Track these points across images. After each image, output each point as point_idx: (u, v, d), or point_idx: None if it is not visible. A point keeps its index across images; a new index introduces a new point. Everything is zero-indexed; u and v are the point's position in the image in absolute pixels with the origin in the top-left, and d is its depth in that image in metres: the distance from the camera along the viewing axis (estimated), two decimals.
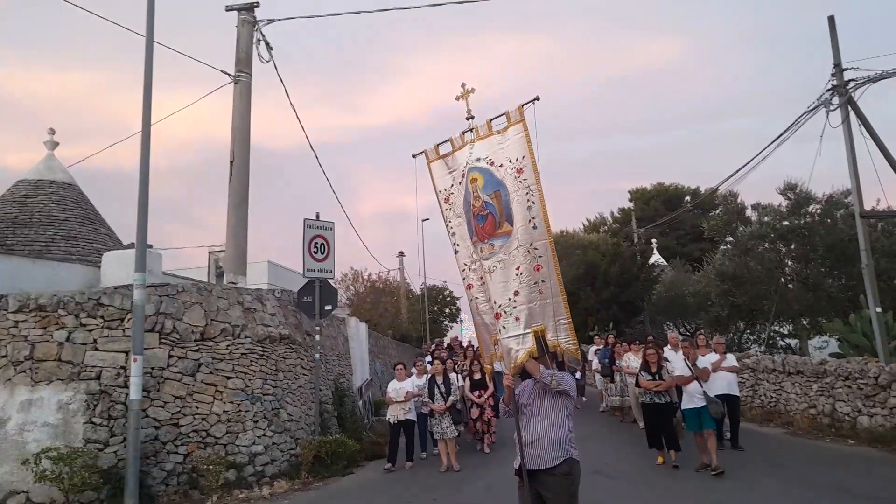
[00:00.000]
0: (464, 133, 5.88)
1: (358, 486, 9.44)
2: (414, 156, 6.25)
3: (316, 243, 11.95)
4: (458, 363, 13.19)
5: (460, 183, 5.91)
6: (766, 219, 18.75)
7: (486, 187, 5.65)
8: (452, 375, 11.47)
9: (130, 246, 12.38)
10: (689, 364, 9.42)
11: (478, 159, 5.76)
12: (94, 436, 8.70)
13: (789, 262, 19.06)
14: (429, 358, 15.07)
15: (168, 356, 9.44)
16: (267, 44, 12.28)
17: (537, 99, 5.45)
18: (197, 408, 9.42)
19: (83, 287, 10.58)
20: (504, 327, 5.33)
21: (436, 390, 10.64)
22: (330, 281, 12.27)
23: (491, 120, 5.70)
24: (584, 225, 43.52)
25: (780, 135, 14.81)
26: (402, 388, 10.80)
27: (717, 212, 22.26)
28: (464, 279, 5.88)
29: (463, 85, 6.07)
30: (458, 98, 6.02)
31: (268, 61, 12.42)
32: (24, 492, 8.37)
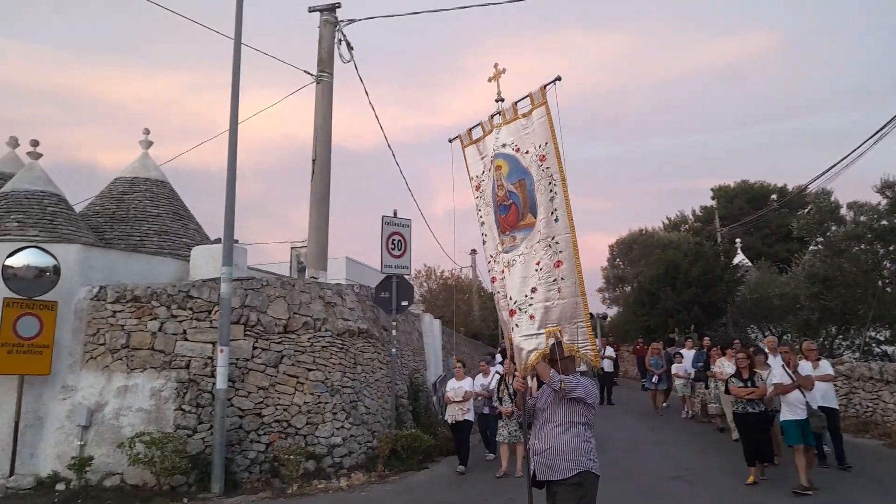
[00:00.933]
0: (492, 116, 5.58)
1: (432, 482, 9.50)
2: (450, 140, 5.94)
3: (393, 240, 12.10)
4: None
5: (489, 170, 5.59)
6: (862, 218, 17.69)
7: (511, 175, 5.30)
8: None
9: (217, 241, 12.88)
10: (790, 371, 8.59)
11: (503, 145, 5.40)
12: (183, 422, 9.11)
13: (887, 264, 17.92)
14: (500, 357, 14.99)
15: (252, 348, 9.77)
16: (348, 44, 12.52)
17: (559, 79, 4.98)
18: (279, 398, 9.71)
19: (174, 280, 11.08)
20: (517, 325, 5.01)
21: (504, 391, 9.92)
22: (406, 277, 12.41)
23: (516, 102, 5.36)
24: (663, 224, 42.41)
25: (880, 129, 13.94)
26: (461, 387, 10.33)
27: (808, 210, 21.19)
28: (490, 271, 5.60)
29: (495, 65, 5.74)
30: (490, 80, 5.69)
31: (348, 61, 12.66)
32: (119, 473, 8.86)
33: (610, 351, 18.32)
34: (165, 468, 8.44)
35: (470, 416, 10.30)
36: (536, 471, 4.59)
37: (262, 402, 9.59)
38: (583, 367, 6.04)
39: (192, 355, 9.52)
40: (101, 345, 9.69)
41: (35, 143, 12.12)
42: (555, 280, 4.89)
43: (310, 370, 10.13)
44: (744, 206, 36.90)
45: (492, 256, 5.54)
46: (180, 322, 9.70)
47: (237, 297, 9.77)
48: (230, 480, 8.79)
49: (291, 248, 16.66)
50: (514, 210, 5.23)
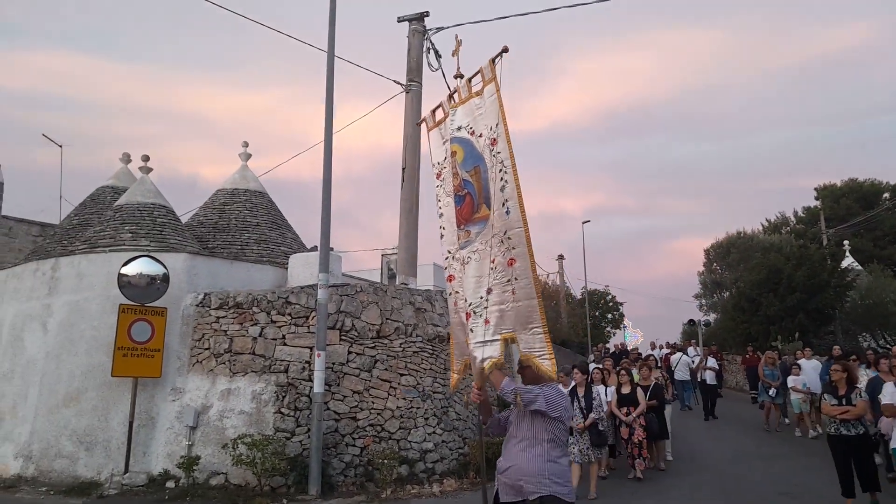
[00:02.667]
0: (450, 96, 4.95)
1: None
2: (417, 124, 5.41)
3: None
4: (612, 373, 11.32)
5: (448, 156, 4.96)
6: None
7: (466, 162, 4.72)
8: (599, 388, 10.10)
9: (313, 249, 13.28)
10: None
11: (458, 128, 4.81)
12: (282, 425, 9.39)
13: None
14: (593, 365, 14.63)
15: (347, 352, 9.97)
16: (436, 52, 12.64)
17: (506, 50, 4.46)
18: (373, 403, 9.86)
19: (273, 286, 11.48)
20: (472, 330, 4.47)
21: (575, 404, 8.96)
22: None
23: (470, 79, 4.72)
24: (762, 226, 40.43)
25: None
26: None
27: None
28: (446, 269, 5.03)
29: (456, 36, 5.16)
30: (452, 54, 5.14)
31: (437, 69, 12.76)
32: (223, 473, 9.23)
33: (713, 362, 17.36)
34: (266, 469, 8.72)
35: None
36: (500, 490, 4.16)
37: (356, 406, 9.77)
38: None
39: (291, 359, 9.82)
40: (206, 349, 10.15)
41: (146, 159, 12.89)
42: (509, 280, 4.34)
43: (402, 375, 10.24)
44: (852, 205, 34.67)
45: (450, 252, 4.95)
46: (279, 327, 10.03)
47: (333, 302, 10.00)
48: (327, 483, 8.99)
49: (382, 255, 16.98)
50: (468, 201, 4.67)
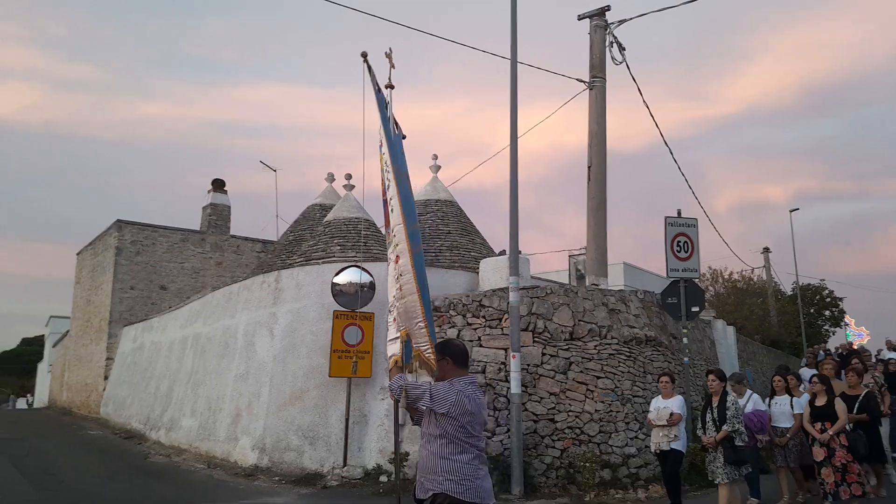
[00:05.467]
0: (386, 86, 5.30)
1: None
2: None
3: (679, 241, 11.52)
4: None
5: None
6: None
7: (386, 163, 4.98)
8: (755, 397, 8.76)
9: (501, 253, 13.52)
10: None
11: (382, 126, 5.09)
12: None
13: None
14: (806, 371, 13.28)
15: (541, 354, 10.02)
16: (619, 45, 12.33)
17: (365, 55, 4.97)
18: (570, 405, 9.80)
19: (466, 290, 11.87)
20: (388, 328, 4.75)
21: (708, 415, 7.67)
22: (695, 281, 11.71)
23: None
24: None
25: None
26: (667, 407, 8.11)
27: None
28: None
29: (389, 49, 5.45)
30: (387, 57, 5.38)
31: (620, 63, 12.44)
32: None
33: None
34: None
35: (679, 445, 8.02)
36: (416, 487, 4.10)
37: (554, 408, 9.77)
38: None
39: (487, 360, 10.08)
40: None
41: (348, 177, 14.00)
42: (398, 277, 4.60)
43: (598, 378, 10.07)
44: None
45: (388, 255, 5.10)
46: (475, 329, 10.34)
47: (524, 305, 10.11)
48: (529, 483, 9.09)
49: (569, 256, 16.87)
50: (386, 203, 4.95)
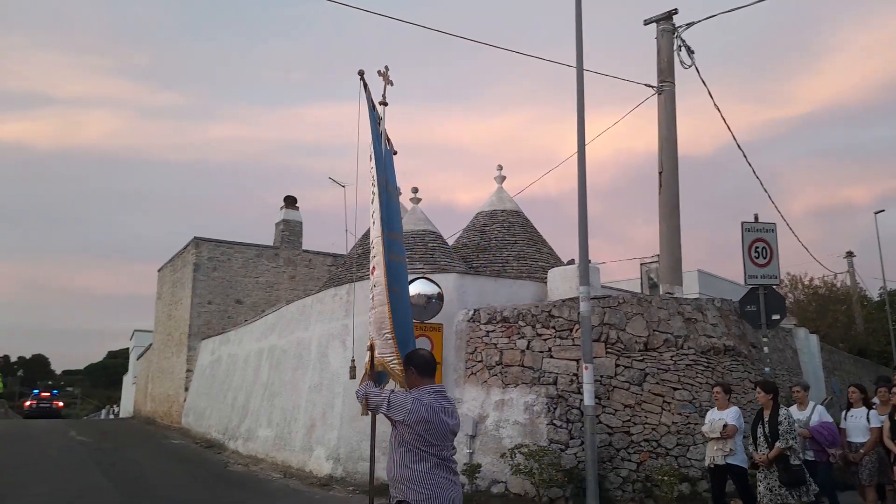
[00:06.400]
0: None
1: None
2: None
3: (757, 247, 11.07)
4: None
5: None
6: None
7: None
8: (819, 408, 8.22)
9: (570, 262, 13.36)
10: None
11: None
12: (556, 436, 9.53)
13: None
14: None
15: (615, 365, 9.82)
16: (688, 49, 12.05)
17: (361, 74, 5.28)
18: (646, 417, 9.56)
19: (534, 301, 11.77)
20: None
21: (759, 430, 7.19)
22: (774, 288, 11.24)
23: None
24: None
25: None
26: (721, 419, 7.62)
27: None
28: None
29: (386, 67, 5.82)
30: (380, 74, 5.77)
31: (690, 66, 12.16)
32: (503, 482, 9.62)
33: None
34: (543, 480, 8.90)
35: (736, 460, 7.50)
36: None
37: (629, 421, 9.55)
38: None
39: (559, 372, 9.95)
40: (479, 362, 10.73)
41: (415, 190, 14.16)
42: (372, 287, 4.86)
43: (675, 389, 9.79)
44: None
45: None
46: (545, 340, 10.23)
47: (595, 315, 9.94)
48: (605, 497, 8.89)
49: (641, 264, 16.50)
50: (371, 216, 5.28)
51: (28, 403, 38.42)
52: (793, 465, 6.97)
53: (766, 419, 7.13)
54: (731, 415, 7.60)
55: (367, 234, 16.37)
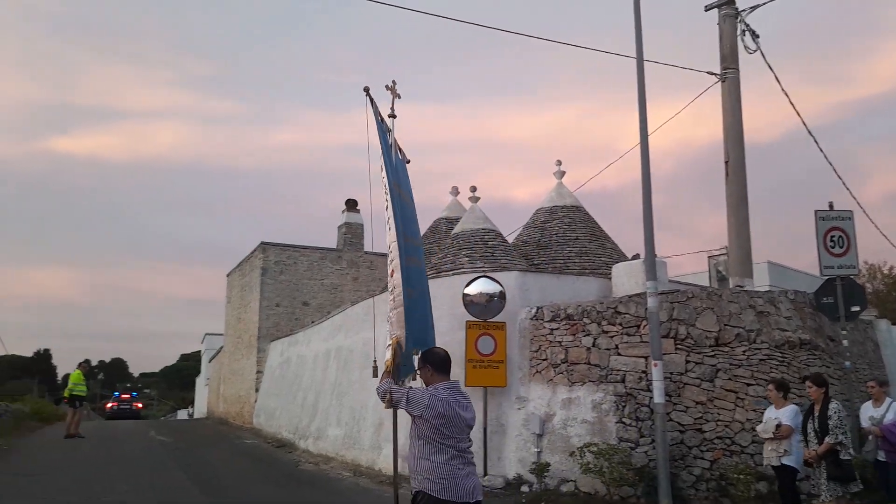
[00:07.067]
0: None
1: None
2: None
3: (832, 236, 10.66)
4: None
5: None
6: None
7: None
8: (894, 406, 7.95)
9: (635, 257, 13.14)
10: None
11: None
12: (625, 435, 9.39)
13: None
14: None
15: (685, 361, 9.60)
16: (752, 32, 11.64)
17: (366, 90, 5.60)
18: (719, 414, 9.31)
19: (598, 297, 11.62)
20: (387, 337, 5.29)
21: (809, 425, 7.07)
22: (853, 278, 10.78)
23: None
24: None
25: None
26: (776, 418, 7.30)
27: None
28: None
29: (393, 82, 6.18)
30: (388, 88, 6.11)
31: (754, 51, 11.75)
32: (572, 481, 9.54)
33: None
34: (614, 479, 8.79)
35: (791, 461, 7.20)
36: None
37: (701, 418, 9.32)
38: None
39: (626, 369, 9.79)
40: (544, 360, 10.66)
41: (473, 189, 14.16)
42: (391, 289, 5.21)
43: (749, 385, 9.48)
44: None
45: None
46: (611, 337, 10.09)
47: (663, 310, 9.74)
48: (677, 496, 8.71)
49: (709, 257, 15.97)
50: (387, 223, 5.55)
51: (109, 405, 40.20)
52: (843, 460, 6.77)
53: (817, 414, 6.98)
54: (786, 414, 7.29)
55: (425, 235, 16.50)
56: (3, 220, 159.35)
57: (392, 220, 5.31)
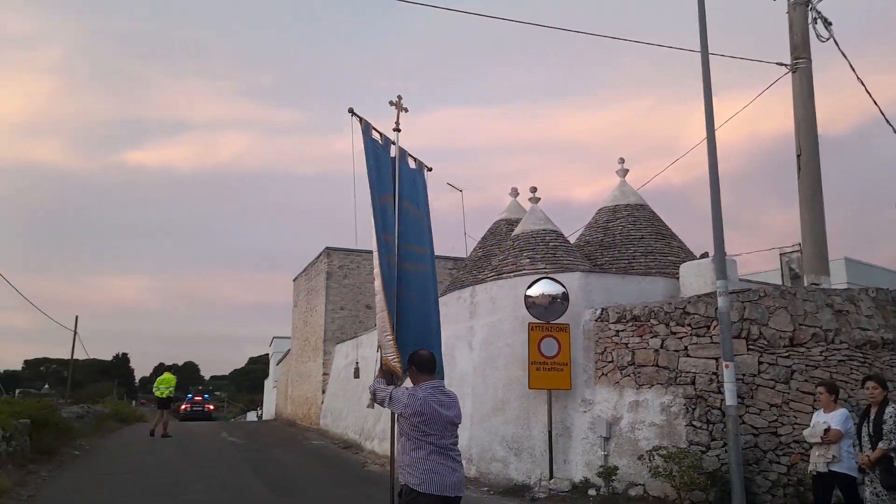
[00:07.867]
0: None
1: None
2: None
3: None
4: None
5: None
6: None
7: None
8: None
9: (703, 256, 12.76)
10: None
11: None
12: (695, 438, 9.14)
13: None
14: None
15: (758, 363, 9.28)
16: (824, 20, 11.17)
17: (351, 111, 5.96)
18: (795, 417, 8.96)
19: (665, 297, 11.35)
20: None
21: (864, 429, 6.60)
22: None
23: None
24: None
25: None
26: (824, 422, 6.91)
27: None
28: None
29: (399, 97, 6.73)
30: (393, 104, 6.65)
31: (827, 39, 11.27)
32: (641, 484, 9.36)
33: None
34: (684, 483, 8.57)
35: (841, 467, 6.74)
36: None
37: (776, 421, 8.99)
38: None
39: (696, 371, 9.54)
40: (610, 362, 10.49)
41: (533, 190, 14.07)
42: (376, 295, 5.61)
43: None
44: None
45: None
46: (680, 338, 9.84)
47: (734, 310, 9.43)
48: (752, 501, 8.43)
49: (781, 254, 15.33)
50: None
51: (183, 407, 41.70)
52: (895, 467, 6.29)
53: (872, 417, 6.51)
54: (836, 418, 6.87)
55: (485, 237, 16.50)
56: (83, 230, 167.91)
57: (374, 231, 5.77)
